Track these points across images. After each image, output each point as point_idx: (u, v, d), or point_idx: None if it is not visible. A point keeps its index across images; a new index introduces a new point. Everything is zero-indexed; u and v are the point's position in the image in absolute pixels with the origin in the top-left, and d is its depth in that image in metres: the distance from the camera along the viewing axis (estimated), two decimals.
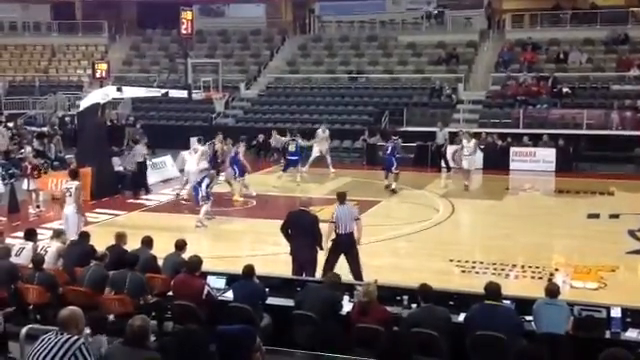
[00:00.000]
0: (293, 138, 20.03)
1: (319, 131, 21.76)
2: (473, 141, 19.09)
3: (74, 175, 13.12)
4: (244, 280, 8.07)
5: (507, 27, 30.28)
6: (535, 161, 21.81)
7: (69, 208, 12.28)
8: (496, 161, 21.75)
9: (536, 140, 22.54)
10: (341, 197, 10.76)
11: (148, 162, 19.67)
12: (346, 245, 10.34)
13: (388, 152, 18.45)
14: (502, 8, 32.07)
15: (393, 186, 18.03)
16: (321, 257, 10.20)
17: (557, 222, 15.09)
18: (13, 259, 9.15)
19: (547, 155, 21.74)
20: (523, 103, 24.88)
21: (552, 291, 7.28)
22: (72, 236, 10.80)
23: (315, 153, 21.44)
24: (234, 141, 18.41)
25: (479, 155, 20.02)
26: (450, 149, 21.41)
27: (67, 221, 12.27)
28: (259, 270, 8.30)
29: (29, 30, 34.39)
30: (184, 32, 19.38)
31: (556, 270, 11.48)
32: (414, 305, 7.53)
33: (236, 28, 33.79)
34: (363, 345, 6.93)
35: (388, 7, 32.45)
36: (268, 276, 8.76)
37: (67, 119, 27.04)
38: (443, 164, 21.82)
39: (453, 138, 21.84)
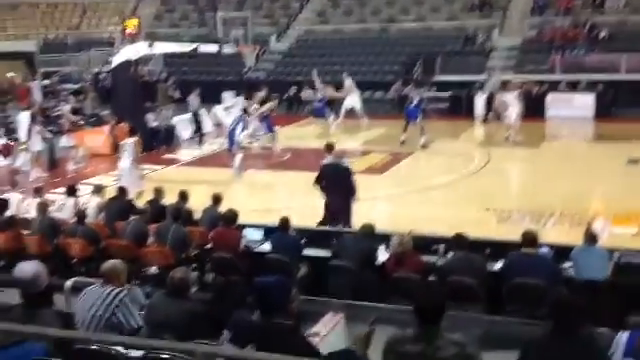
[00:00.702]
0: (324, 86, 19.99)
1: (346, 82, 21.43)
2: (517, 91, 18.49)
3: (131, 132, 13.92)
4: (280, 232, 8.16)
5: None
6: (573, 107, 21.35)
7: (125, 162, 12.68)
8: (532, 108, 21.35)
9: (573, 86, 22.06)
10: (330, 147, 10.91)
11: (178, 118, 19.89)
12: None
13: (414, 104, 17.74)
14: None
15: (422, 141, 17.45)
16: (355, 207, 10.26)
17: (596, 168, 14.83)
18: (55, 214, 9.39)
19: (585, 101, 21.26)
20: (560, 49, 24.30)
21: (591, 237, 7.22)
22: (132, 190, 11.06)
23: (345, 105, 21.22)
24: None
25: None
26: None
27: (124, 175, 12.62)
28: (295, 222, 8.37)
29: None
30: None
31: (595, 216, 11.32)
32: (450, 254, 7.53)
33: None
34: (399, 295, 6.98)
35: None
36: (304, 228, 8.83)
37: (101, 76, 27.24)
38: (478, 113, 21.51)
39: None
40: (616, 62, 23.04)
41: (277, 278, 4.81)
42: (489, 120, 20.86)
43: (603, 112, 20.90)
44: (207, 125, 20.94)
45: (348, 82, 21.10)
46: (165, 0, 34.23)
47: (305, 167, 14.37)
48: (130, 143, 13.15)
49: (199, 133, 19.48)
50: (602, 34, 24.33)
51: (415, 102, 17.78)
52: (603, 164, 15.29)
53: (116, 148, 17.83)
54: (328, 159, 10.70)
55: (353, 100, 20.91)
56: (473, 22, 27.25)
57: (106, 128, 18.60)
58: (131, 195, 10.50)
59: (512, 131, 18.02)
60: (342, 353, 4.50)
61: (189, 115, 20.37)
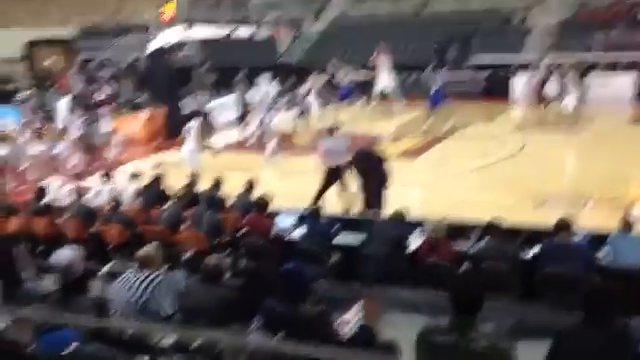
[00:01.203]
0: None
1: (379, 60, 21.02)
2: (569, 75, 17.85)
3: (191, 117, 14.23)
4: (312, 219, 8.19)
5: None
6: (612, 88, 20.87)
7: (188, 146, 12.81)
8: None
9: (612, 67, 21.56)
10: (330, 130, 11.15)
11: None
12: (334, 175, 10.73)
13: (435, 90, 17.26)
14: None
15: (449, 126, 17.12)
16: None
17: (635, 152, 14.52)
18: (92, 200, 9.56)
19: (625, 82, 20.77)
20: (599, 28, 23.74)
21: (627, 224, 7.10)
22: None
23: (378, 88, 20.78)
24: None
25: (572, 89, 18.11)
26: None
27: (187, 158, 12.78)
28: (327, 208, 8.39)
29: None
30: None
31: (633, 202, 11.12)
32: (484, 241, 7.49)
33: None
34: (432, 282, 6.97)
35: None
36: (335, 215, 8.85)
37: (138, 62, 27.47)
38: (517, 95, 21.09)
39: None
40: None
41: (296, 264, 4.86)
42: (545, 103, 20.33)
43: None
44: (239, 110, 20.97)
45: (381, 60, 20.61)
46: None
47: None
48: (194, 127, 13.24)
49: (242, 117, 19.63)
50: None
51: (435, 88, 17.28)
52: None
53: (153, 134, 18.12)
54: (333, 141, 10.88)
55: (385, 82, 20.51)
56: (510, 1, 26.76)
57: (143, 114, 18.82)
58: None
59: (569, 116, 17.46)
60: (358, 330, 4.54)
61: (229, 98, 20.47)
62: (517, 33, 25.10)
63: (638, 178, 13.06)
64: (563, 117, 17.68)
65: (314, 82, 17.59)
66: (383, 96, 20.75)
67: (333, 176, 10.79)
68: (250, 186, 9.49)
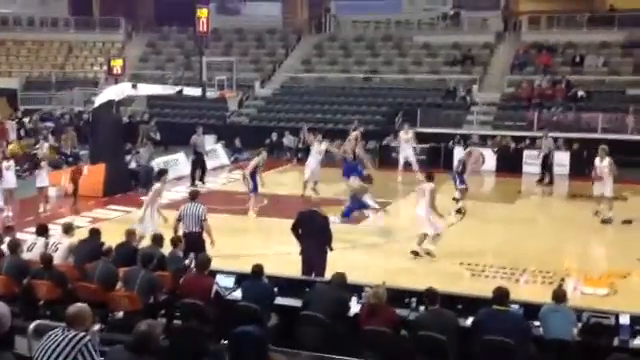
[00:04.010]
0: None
1: (401, 133, 20.77)
2: (607, 160, 15.22)
3: (429, 177, 12.83)
4: (253, 279, 8.09)
5: (523, 29, 30.17)
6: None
7: (420, 208, 12.35)
8: (509, 164, 21.68)
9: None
10: (192, 195, 11.22)
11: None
12: (191, 244, 10.24)
13: (459, 169, 16.87)
14: (519, 10, 31.98)
15: (460, 204, 16.41)
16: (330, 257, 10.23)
17: (569, 227, 14.96)
18: (25, 254, 9.22)
19: (561, 159, 21.49)
20: (538, 106, 24.74)
21: (559, 296, 7.25)
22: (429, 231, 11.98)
23: (401, 158, 20.54)
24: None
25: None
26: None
27: (419, 221, 12.51)
28: (268, 269, 8.32)
29: (47, 26, 34.60)
30: (200, 30, 19.47)
31: (567, 275, 11.40)
32: (422, 308, 7.51)
33: (252, 27, 33.87)
34: (371, 347, 6.94)
35: (404, 7, 32.42)
36: (277, 276, 8.77)
37: (84, 115, 27.19)
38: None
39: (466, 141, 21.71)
40: (592, 121, 23.51)
41: (255, 328, 4.70)
42: (545, 181, 20.14)
43: (578, 171, 21.06)
44: (186, 168, 20.82)
45: (409, 134, 20.49)
46: (151, 42, 34.54)
47: (281, 214, 14.37)
48: (427, 189, 12.39)
49: (200, 172, 19.51)
50: (580, 93, 24.87)
51: (460, 167, 16.94)
52: (577, 223, 15.42)
53: (92, 189, 17.55)
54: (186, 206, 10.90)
55: (407, 152, 20.44)
56: (454, 76, 27.77)
57: (83, 169, 18.27)
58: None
59: (607, 203, 15.45)
60: None
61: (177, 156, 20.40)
62: (460, 107, 25.91)
63: (571, 253, 13.44)
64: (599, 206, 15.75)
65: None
66: (407, 165, 20.48)
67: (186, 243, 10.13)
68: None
